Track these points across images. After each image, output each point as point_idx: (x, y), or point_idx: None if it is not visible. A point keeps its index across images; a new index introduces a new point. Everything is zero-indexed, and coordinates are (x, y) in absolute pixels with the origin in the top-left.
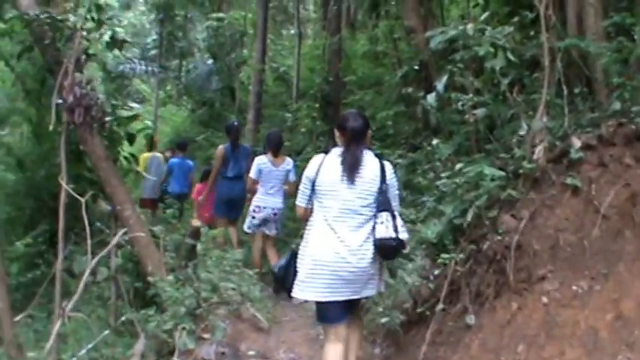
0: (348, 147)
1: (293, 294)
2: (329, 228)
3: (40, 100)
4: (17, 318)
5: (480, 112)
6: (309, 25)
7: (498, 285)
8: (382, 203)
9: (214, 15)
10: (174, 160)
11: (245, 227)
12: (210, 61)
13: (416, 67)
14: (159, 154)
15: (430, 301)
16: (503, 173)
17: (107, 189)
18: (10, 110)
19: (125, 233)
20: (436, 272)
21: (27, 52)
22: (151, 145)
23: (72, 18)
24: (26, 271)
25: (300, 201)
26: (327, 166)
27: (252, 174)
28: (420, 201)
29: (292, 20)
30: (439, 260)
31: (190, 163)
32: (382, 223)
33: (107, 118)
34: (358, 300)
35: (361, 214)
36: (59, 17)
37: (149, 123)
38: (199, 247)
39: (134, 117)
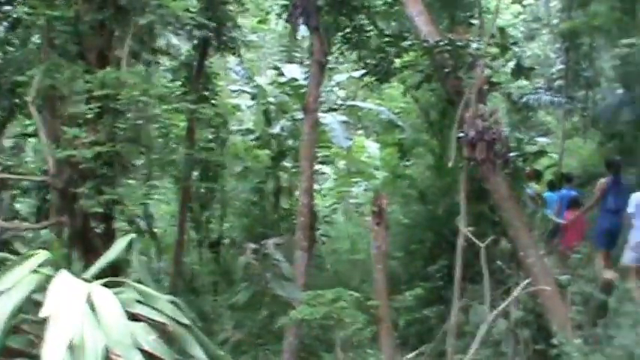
0: None
1: None
2: None
3: (443, 132)
4: None
5: None
6: None
7: None
8: None
9: (623, 41)
10: (562, 192)
11: (625, 261)
12: (619, 91)
13: None
14: (534, 186)
15: None
16: None
17: (509, 231)
18: (414, 142)
19: (529, 284)
20: None
21: (426, 82)
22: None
23: (474, 44)
24: (422, 307)
25: None
26: None
27: (630, 208)
28: None
29: None
30: None
31: (572, 193)
32: None
33: (511, 154)
34: None
35: None
36: (461, 44)
37: (555, 157)
38: (611, 302)
39: (541, 153)
